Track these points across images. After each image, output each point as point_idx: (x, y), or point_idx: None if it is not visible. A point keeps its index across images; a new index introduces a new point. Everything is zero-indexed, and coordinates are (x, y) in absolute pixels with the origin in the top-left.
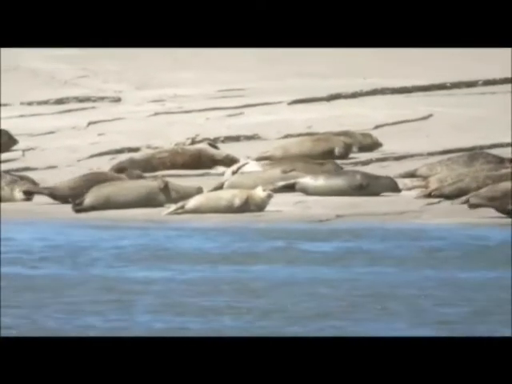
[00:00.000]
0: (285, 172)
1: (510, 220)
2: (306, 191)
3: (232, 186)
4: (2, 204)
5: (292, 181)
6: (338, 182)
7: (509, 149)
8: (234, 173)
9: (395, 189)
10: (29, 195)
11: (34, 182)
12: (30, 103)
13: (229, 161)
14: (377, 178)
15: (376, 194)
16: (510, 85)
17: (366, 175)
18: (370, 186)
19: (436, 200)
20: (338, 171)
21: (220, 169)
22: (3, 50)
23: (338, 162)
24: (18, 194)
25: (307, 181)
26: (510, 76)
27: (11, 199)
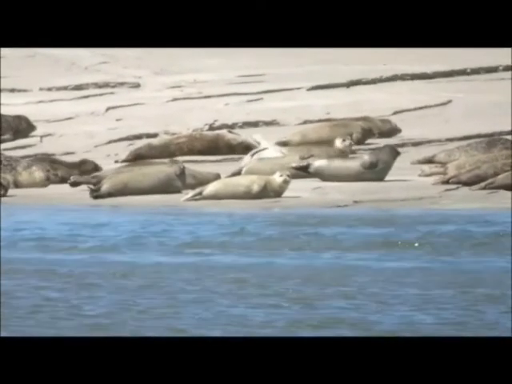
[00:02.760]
0: (303, 158)
1: None
2: (322, 174)
3: (250, 172)
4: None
5: (305, 162)
6: (351, 164)
7: None
8: (252, 156)
9: (396, 152)
10: (76, 185)
11: (50, 160)
12: (49, 89)
13: (246, 147)
14: (379, 150)
15: (387, 169)
16: None
17: (372, 153)
18: (379, 162)
19: (454, 186)
20: (348, 156)
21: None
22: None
23: (356, 147)
24: (38, 174)
25: (322, 163)
26: None
27: (31, 182)
